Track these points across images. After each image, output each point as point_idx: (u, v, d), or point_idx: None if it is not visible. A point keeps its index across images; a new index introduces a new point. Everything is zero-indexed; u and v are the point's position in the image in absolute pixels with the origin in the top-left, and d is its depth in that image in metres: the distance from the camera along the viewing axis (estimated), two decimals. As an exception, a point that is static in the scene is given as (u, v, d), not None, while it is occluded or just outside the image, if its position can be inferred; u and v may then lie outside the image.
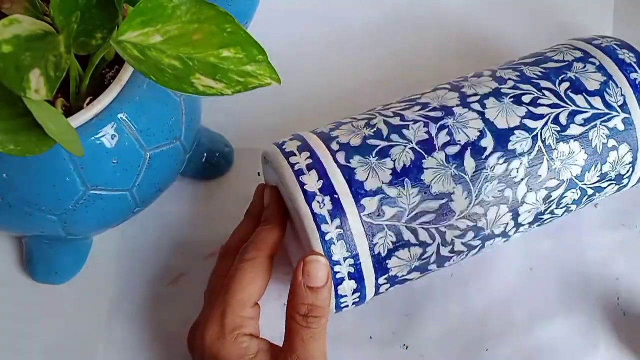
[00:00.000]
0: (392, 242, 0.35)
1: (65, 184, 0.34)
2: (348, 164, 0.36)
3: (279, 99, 0.49)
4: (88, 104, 0.34)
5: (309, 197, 0.34)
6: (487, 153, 0.36)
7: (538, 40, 0.48)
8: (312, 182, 0.35)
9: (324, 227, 0.34)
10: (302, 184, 0.35)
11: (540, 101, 0.38)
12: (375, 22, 0.54)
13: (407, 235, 0.35)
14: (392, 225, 0.35)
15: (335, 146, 0.36)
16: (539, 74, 0.40)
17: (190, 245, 0.46)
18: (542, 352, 0.42)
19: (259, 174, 0.48)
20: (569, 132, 0.38)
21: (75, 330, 0.43)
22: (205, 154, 0.46)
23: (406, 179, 0.35)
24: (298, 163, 0.36)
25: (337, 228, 0.34)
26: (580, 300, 0.44)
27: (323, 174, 0.35)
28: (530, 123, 0.37)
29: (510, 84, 0.39)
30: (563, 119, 0.38)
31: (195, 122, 0.41)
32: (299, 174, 0.35)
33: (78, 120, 0.33)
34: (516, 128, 0.37)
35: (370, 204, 0.35)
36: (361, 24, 0.54)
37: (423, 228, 0.36)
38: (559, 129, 0.38)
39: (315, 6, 0.54)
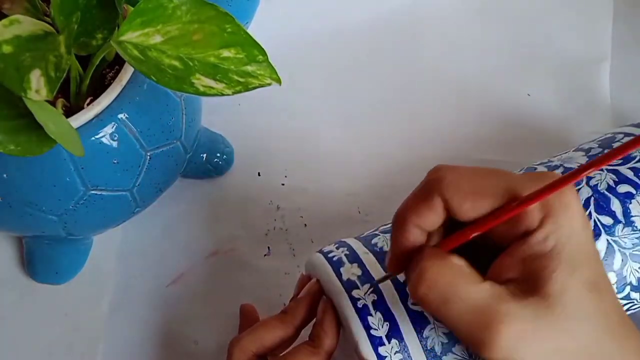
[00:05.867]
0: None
1: (66, 184, 0.34)
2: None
3: (279, 99, 0.49)
4: (88, 104, 0.34)
5: None
6: None
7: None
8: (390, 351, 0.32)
9: None
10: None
11: None
12: (376, 21, 0.54)
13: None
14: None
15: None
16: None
17: (190, 245, 0.46)
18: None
19: (259, 174, 0.48)
20: None
21: (75, 330, 0.43)
22: (205, 154, 0.46)
23: None
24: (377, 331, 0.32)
25: None
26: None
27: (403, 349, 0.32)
28: None
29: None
30: None
31: (196, 122, 0.41)
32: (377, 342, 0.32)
33: (78, 120, 0.33)
34: None
35: None
36: (362, 24, 0.54)
37: None
38: None
39: (315, 6, 0.54)
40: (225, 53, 0.31)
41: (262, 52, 0.31)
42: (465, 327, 0.26)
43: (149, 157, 0.36)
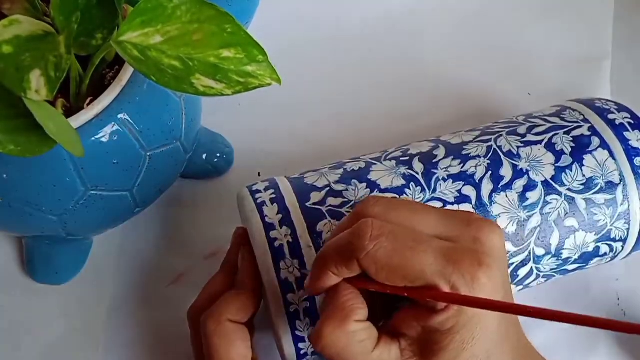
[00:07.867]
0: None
1: (65, 184, 0.34)
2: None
3: (279, 99, 0.49)
4: (88, 104, 0.34)
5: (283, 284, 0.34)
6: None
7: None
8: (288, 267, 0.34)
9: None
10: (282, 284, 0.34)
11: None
12: (376, 22, 0.54)
13: None
14: None
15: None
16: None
17: (190, 245, 0.46)
18: (542, 352, 0.42)
19: (259, 174, 0.48)
20: (528, 139, 0.38)
21: (75, 330, 0.43)
22: (205, 154, 0.46)
23: None
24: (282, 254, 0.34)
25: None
26: (580, 300, 0.44)
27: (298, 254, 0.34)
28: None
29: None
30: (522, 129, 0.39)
31: (195, 122, 0.41)
32: (278, 255, 0.34)
33: (78, 120, 0.33)
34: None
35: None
36: (362, 24, 0.54)
37: None
38: (517, 137, 0.38)
39: (316, 6, 0.54)
40: (225, 53, 0.31)
41: (262, 52, 0.31)
42: None
43: (149, 157, 0.36)
